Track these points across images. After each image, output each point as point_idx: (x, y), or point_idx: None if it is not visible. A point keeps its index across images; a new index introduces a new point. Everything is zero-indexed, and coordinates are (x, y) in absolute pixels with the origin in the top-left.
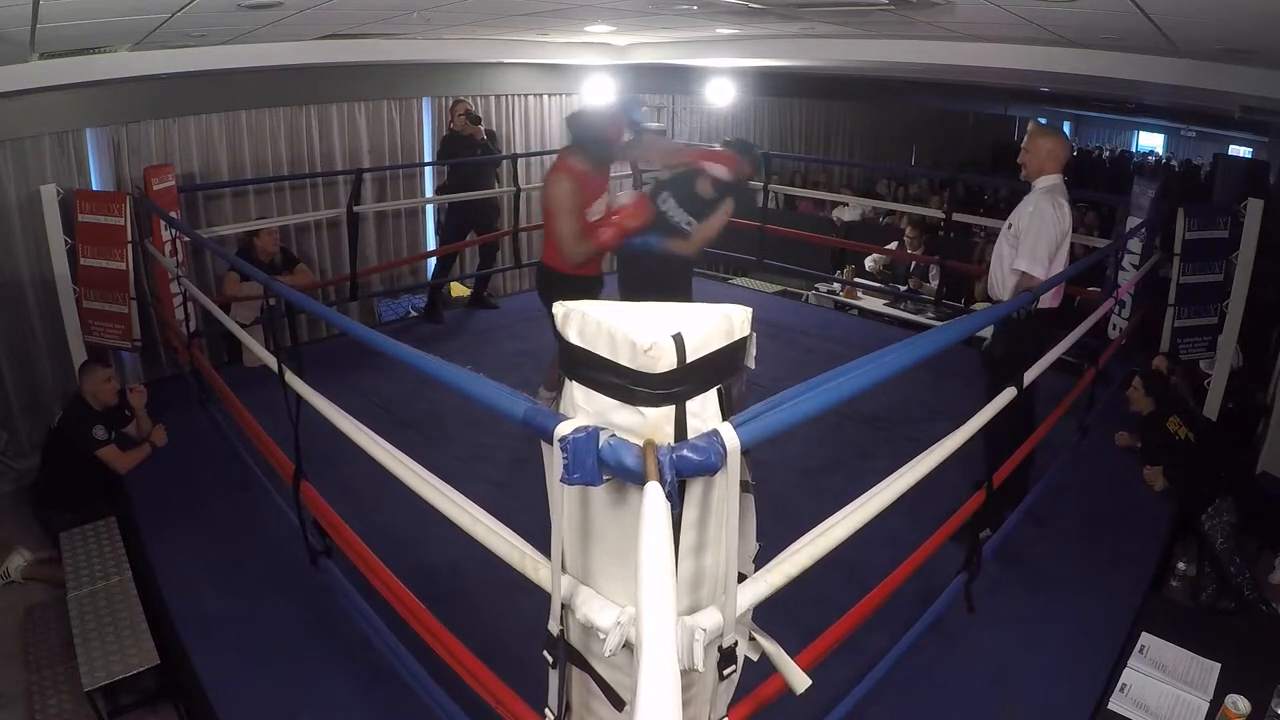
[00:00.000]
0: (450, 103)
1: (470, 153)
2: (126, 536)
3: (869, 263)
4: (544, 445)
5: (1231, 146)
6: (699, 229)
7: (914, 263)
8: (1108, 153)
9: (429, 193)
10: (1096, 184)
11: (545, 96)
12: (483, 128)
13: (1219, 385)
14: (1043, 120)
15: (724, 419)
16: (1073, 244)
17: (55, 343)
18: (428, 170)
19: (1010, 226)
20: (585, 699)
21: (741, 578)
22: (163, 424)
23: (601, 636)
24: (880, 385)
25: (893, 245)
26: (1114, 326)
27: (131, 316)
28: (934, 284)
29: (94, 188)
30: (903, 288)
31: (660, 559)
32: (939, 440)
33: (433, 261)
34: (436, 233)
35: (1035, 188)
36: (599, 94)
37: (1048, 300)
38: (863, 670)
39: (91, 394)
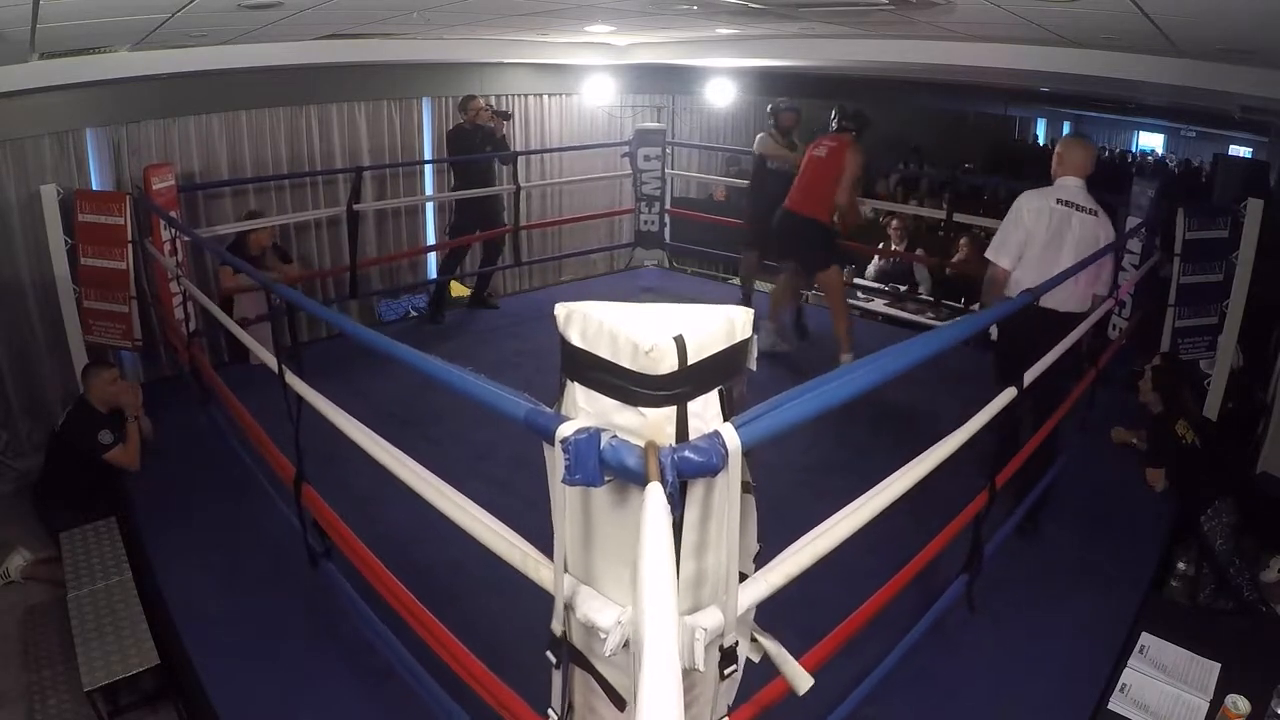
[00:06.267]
0: (460, 99)
1: (478, 149)
2: (126, 536)
3: (871, 269)
4: (545, 446)
5: (1231, 146)
6: None
7: (896, 259)
8: (1107, 153)
9: (429, 191)
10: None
11: (545, 96)
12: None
13: (1219, 385)
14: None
15: (725, 420)
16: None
17: (55, 343)
18: (428, 169)
19: None
20: (588, 699)
21: (743, 577)
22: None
23: (602, 636)
24: (881, 386)
25: (880, 247)
26: (1114, 327)
27: (132, 316)
28: (920, 284)
29: (94, 188)
30: (903, 288)
31: (661, 559)
32: (940, 440)
33: (433, 261)
34: (444, 230)
35: None
36: (598, 93)
37: (1053, 301)
38: (864, 671)
39: (99, 397)
